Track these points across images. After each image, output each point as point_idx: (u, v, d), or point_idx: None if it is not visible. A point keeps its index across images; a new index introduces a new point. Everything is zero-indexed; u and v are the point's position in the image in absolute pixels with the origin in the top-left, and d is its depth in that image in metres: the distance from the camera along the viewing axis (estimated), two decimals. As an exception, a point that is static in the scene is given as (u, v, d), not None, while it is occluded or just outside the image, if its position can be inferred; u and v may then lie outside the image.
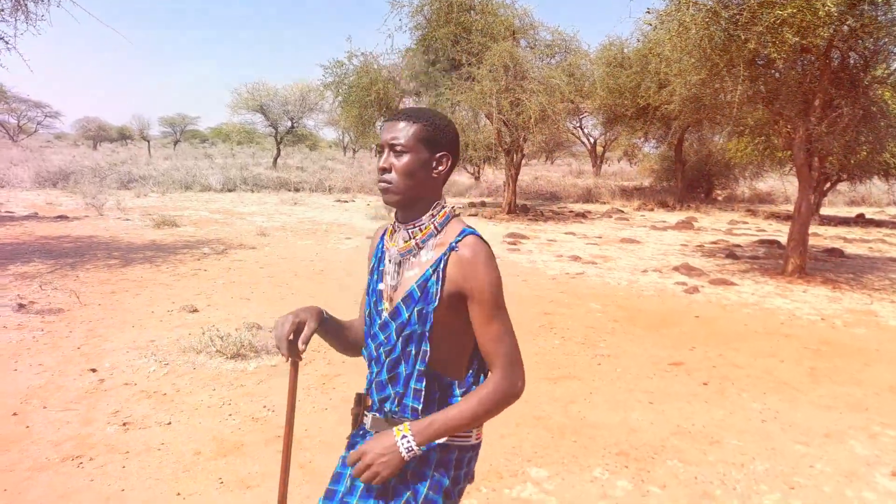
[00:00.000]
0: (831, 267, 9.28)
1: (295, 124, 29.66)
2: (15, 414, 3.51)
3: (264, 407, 3.73)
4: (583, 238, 11.76)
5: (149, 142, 44.36)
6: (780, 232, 13.23)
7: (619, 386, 4.29)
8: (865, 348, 5.33)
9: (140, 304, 5.84)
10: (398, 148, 1.46)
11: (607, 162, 40.38)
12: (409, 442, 1.40)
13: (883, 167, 14.46)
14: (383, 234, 1.65)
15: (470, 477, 1.60)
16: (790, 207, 18.54)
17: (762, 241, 11.77)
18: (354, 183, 21.05)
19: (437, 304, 1.45)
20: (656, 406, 3.96)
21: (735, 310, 6.53)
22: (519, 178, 16.95)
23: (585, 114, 22.06)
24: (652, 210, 17.93)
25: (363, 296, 1.67)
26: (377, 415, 1.57)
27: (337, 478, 1.60)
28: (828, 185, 16.21)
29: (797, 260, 8.24)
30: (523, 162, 17.38)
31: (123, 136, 49.77)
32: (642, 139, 22.65)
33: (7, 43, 7.69)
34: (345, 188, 20.53)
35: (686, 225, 14.10)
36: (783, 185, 21.76)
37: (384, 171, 1.48)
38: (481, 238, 1.48)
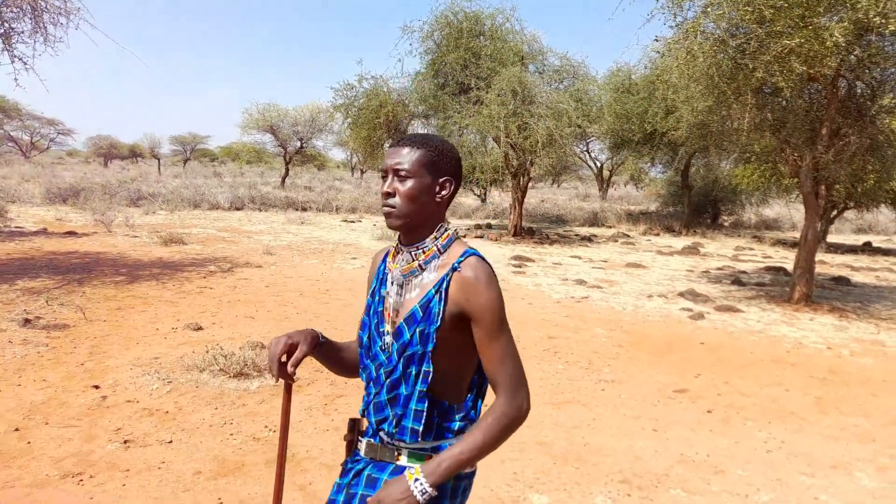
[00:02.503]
0: (838, 295, 9.23)
1: (304, 145, 29.90)
2: (17, 429, 3.51)
3: (266, 427, 3.71)
4: (588, 262, 11.75)
5: (159, 160, 44.81)
6: (787, 259, 13.18)
7: (623, 412, 4.26)
8: (872, 378, 5.28)
9: (145, 321, 5.86)
10: (402, 173, 1.48)
11: (614, 186, 40.49)
12: (422, 485, 1.39)
13: (890, 195, 14.44)
14: (385, 257, 1.66)
15: (469, 486, 1.59)
16: (797, 234, 18.47)
17: (768, 268, 11.72)
18: (361, 203, 21.15)
19: (439, 324, 1.45)
20: (660, 433, 3.93)
21: (741, 337, 6.49)
22: (525, 200, 17.00)
23: (592, 138, 22.17)
24: (658, 235, 17.92)
25: (362, 317, 1.67)
26: (372, 440, 1.57)
27: None
28: (835, 212, 16.22)
29: (803, 288, 8.20)
30: (530, 185, 17.45)
31: (134, 153, 50.29)
32: (649, 164, 22.71)
33: (25, 64, 7.82)
34: (352, 208, 20.63)
35: (692, 250, 14.07)
36: (789, 211, 21.74)
37: (388, 195, 1.49)
38: (483, 259, 1.49)
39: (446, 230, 1.54)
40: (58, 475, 3.05)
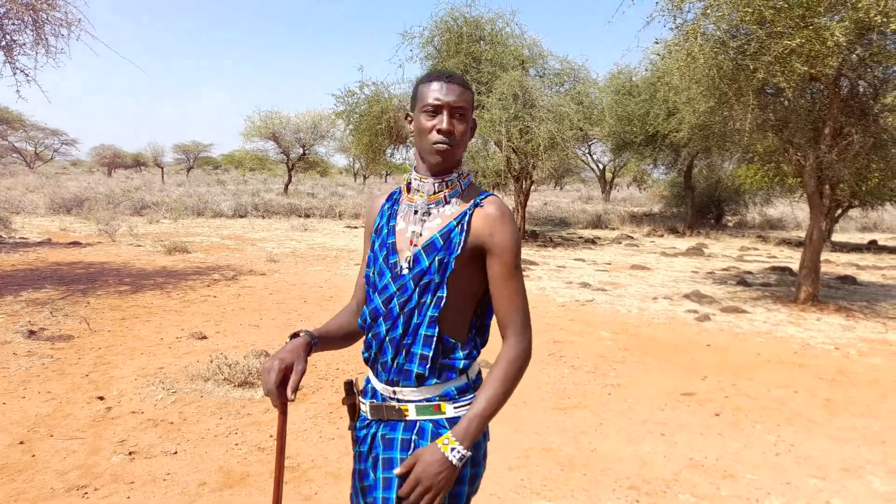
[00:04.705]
0: (844, 294, 9.18)
1: (306, 151, 29.96)
2: (22, 442, 3.50)
3: (271, 436, 3.70)
4: (592, 264, 11.72)
5: (162, 168, 44.96)
6: (792, 259, 13.12)
7: (630, 417, 4.23)
8: (882, 378, 5.23)
9: (149, 331, 5.86)
10: (459, 112, 1.51)
11: (616, 188, 40.47)
12: (458, 452, 1.40)
13: (895, 193, 14.38)
14: (391, 196, 1.67)
15: (487, 436, 1.61)
16: (801, 233, 18.42)
17: (774, 268, 11.67)
18: (364, 209, 21.15)
19: (458, 253, 1.48)
20: (668, 438, 3.90)
21: (747, 338, 6.46)
22: (528, 203, 16.98)
23: (594, 140, 22.16)
24: (662, 236, 17.87)
25: (366, 255, 1.67)
26: (374, 400, 1.57)
27: (362, 475, 1.58)
28: (839, 211, 16.14)
29: (809, 287, 8.16)
30: (532, 188, 17.42)
31: (138, 162, 50.47)
32: (651, 165, 22.67)
33: (27, 76, 7.85)
34: (355, 214, 20.64)
35: (696, 251, 14.03)
36: (794, 211, 21.67)
37: (449, 132, 1.50)
38: (502, 200, 1.56)
39: (465, 171, 1.60)
40: (63, 488, 3.04)
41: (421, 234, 1.53)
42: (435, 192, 1.55)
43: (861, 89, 7.80)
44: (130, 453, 3.42)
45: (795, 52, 6.27)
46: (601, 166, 32.75)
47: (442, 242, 1.49)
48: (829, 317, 7.55)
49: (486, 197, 1.53)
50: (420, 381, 1.50)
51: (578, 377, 5.03)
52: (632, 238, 17.04)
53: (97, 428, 3.73)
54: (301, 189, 30.68)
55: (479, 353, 1.58)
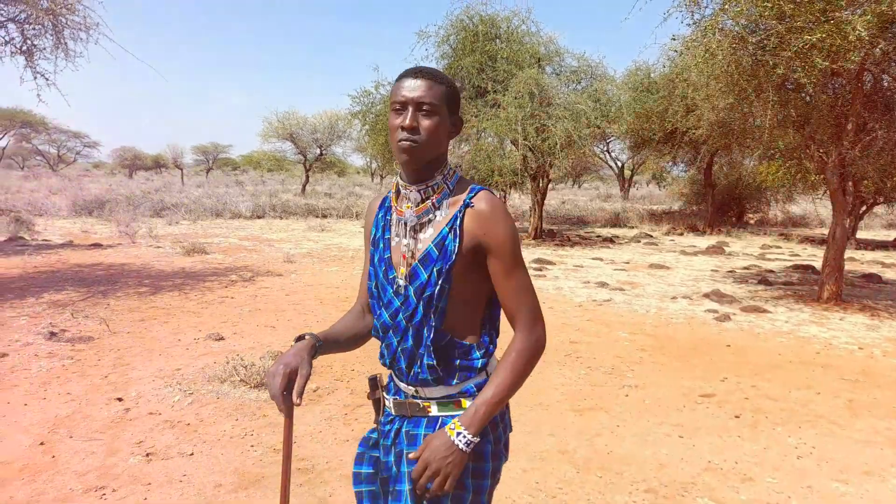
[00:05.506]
0: (869, 293, 9.00)
1: (323, 151, 30.10)
2: (42, 443, 3.55)
3: (286, 438, 3.70)
4: (610, 263, 11.62)
5: (182, 170, 45.42)
6: (815, 257, 12.91)
7: (648, 418, 4.18)
8: (907, 380, 5.12)
9: (167, 332, 5.91)
10: (425, 108, 1.44)
11: (635, 185, 40.13)
12: (464, 437, 1.41)
13: (921, 190, 14.06)
14: (383, 203, 1.64)
15: (509, 427, 1.62)
16: (825, 231, 18.10)
17: (796, 267, 11.49)
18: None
19: (454, 260, 1.45)
20: (686, 440, 3.84)
21: (768, 338, 6.35)
22: (546, 202, 16.90)
23: (612, 138, 21.98)
24: (681, 234, 17.68)
25: (367, 268, 1.66)
26: (397, 397, 1.59)
27: (384, 467, 1.60)
28: (864, 208, 15.82)
29: (833, 286, 8.01)
30: (550, 186, 17.34)
31: (158, 164, 51.09)
32: (670, 163, 22.42)
33: (47, 80, 7.98)
34: (372, 214, 20.67)
35: (717, 250, 13.85)
36: (816, 208, 21.30)
37: (413, 129, 1.44)
38: (493, 192, 1.50)
39: (451, 168, 1.55)
40: (81, 489, 3.07)
41: (415, 248, 1.51)
42: (422, 201, 1.50)
43: (885, 84, 7.64)
44: (148, 454, 3.45)
45: (816, 48, 6.14)
46: (620, 164, 32.49)
47: (437, 252, 1.47)
48: (852, 316, 7.41)
49: (475, 194, 1.48)
50: (439, 383, 1.52)
51: (595, 378, 4.98)
52: (651, 236, 16.88)
53: (115, 429, 3.77)
54: (318, 189, 30.83)
55: (495, 346, 1.58)
